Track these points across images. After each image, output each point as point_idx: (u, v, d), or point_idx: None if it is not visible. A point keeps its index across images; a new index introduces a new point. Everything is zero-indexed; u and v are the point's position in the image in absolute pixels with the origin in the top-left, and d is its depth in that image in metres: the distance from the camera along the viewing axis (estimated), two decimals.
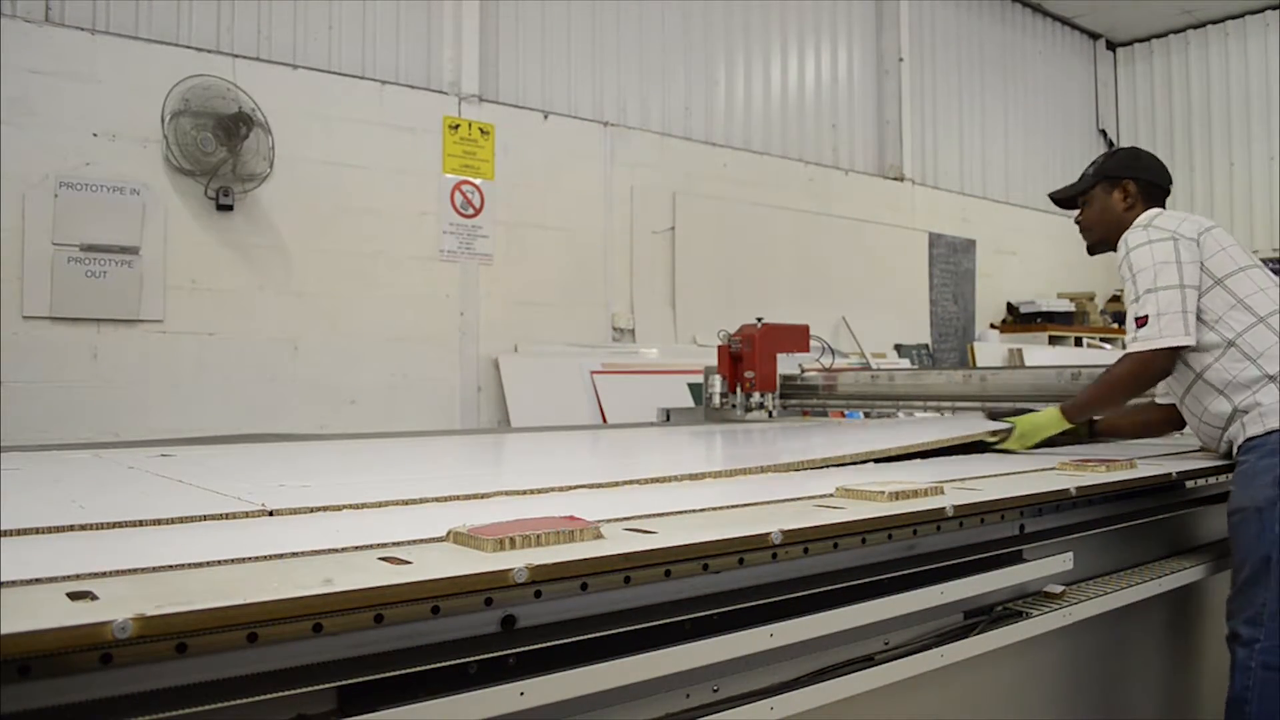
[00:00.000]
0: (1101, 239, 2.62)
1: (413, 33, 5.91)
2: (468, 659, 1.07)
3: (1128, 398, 2.57)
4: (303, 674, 0.95)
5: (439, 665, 1.04)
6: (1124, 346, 2.44)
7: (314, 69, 5.49)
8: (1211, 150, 10.27)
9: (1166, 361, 2.35)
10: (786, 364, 4.47)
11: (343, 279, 5.54)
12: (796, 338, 4.41)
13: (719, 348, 4.40)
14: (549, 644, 1.13)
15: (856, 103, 8.51)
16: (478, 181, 6.08)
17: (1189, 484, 2.27)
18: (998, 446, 2.67)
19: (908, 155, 8.68)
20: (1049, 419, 2.62)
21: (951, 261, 8.90)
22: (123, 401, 4.80)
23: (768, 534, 1.34)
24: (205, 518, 1.45)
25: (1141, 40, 10.91)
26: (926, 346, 8.44)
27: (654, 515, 1.46)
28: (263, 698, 0.92)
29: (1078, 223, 2.67)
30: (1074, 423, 2.62)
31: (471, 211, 6.05)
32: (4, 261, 4.55)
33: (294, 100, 5.36)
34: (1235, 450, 2.30)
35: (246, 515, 1.48)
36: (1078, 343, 8.91)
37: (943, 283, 8.80)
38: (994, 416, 2.94)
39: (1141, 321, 2.32)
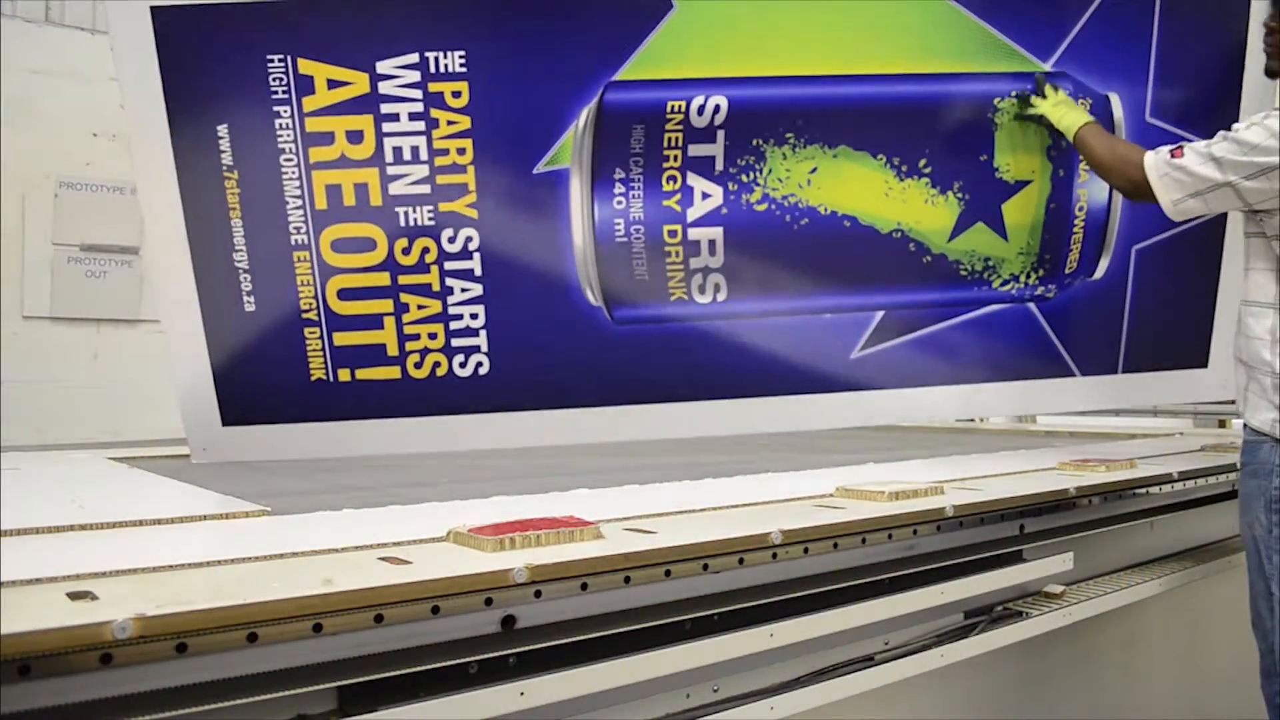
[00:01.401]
0: None
1: None
2: (468, 659, 1.07)
3: (1103, 174, 2.18)
4: (303, 674, 0.95)
5: (439, 665, 1.04)
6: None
7: None
8: None
9: (1141, 194, 2.05)
10: None
11: None
12: None
13: None
14: (549, 644, 1.13)
15: None
16: None
17: (1189, 484, 2.27)
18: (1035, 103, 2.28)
19: None
20: (1069, 112, 2.22)
21: None
22: (123, 401, 4.80)
23: (768, 534, 1.34)
24: (205, 518, 1.45)
25: None
26: None
27: (654, 515, 1.46)
28: (263, 698, 0.92)
29: (1267, 26, 2.06)
30: (1076, 138, 2.22)
31: None
32: (4, 261, 4.55)
33: None
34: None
35: (246, 515, 1.48)
36: None
37: None
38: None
39: (1176, 153, 1.98)
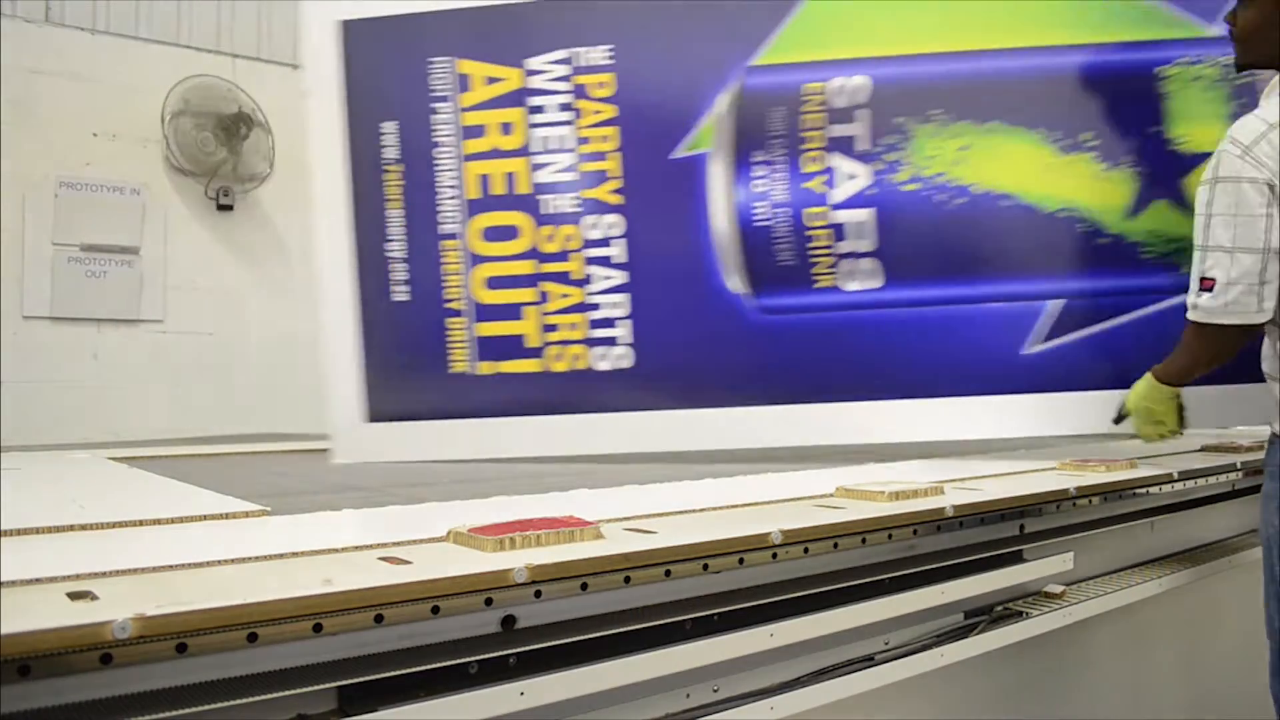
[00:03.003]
0: (1255, 62, 1.96)
1: None
2: (468, 659, 1.07)
3: (1213, 365, 1.99)
4: (303, 674, 0.95)
5: (439, 665, 1.04)
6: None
7: None
8: None
9: (1239, 336, 1.85)
10: None
11: None
12: None
13: None
14: (549, 644, 1.13)
15: None
16: None
17: (1189, 484, 2.27)
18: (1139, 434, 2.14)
19: None
20: (1149, 389, 2.05)
21: None
22: (123, 401, 4.80)
23: (768, 534, 1.34)
24: (205, 518, 1.45)
25: None
26: None
27: (654, 515, 1.46)
28: (263, 698, 0.92)
29: (1228, 22, 1.98)
30: (1173, 385, 2.03)
31: None
32: (4, 261, 4.55)
33: (294, 100, 5.35)
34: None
35: (246, 515, 1.48)
36: None
37: None
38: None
39: (1207, 284, 1.82)
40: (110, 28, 4.86)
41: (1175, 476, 2.20)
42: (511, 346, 2.32)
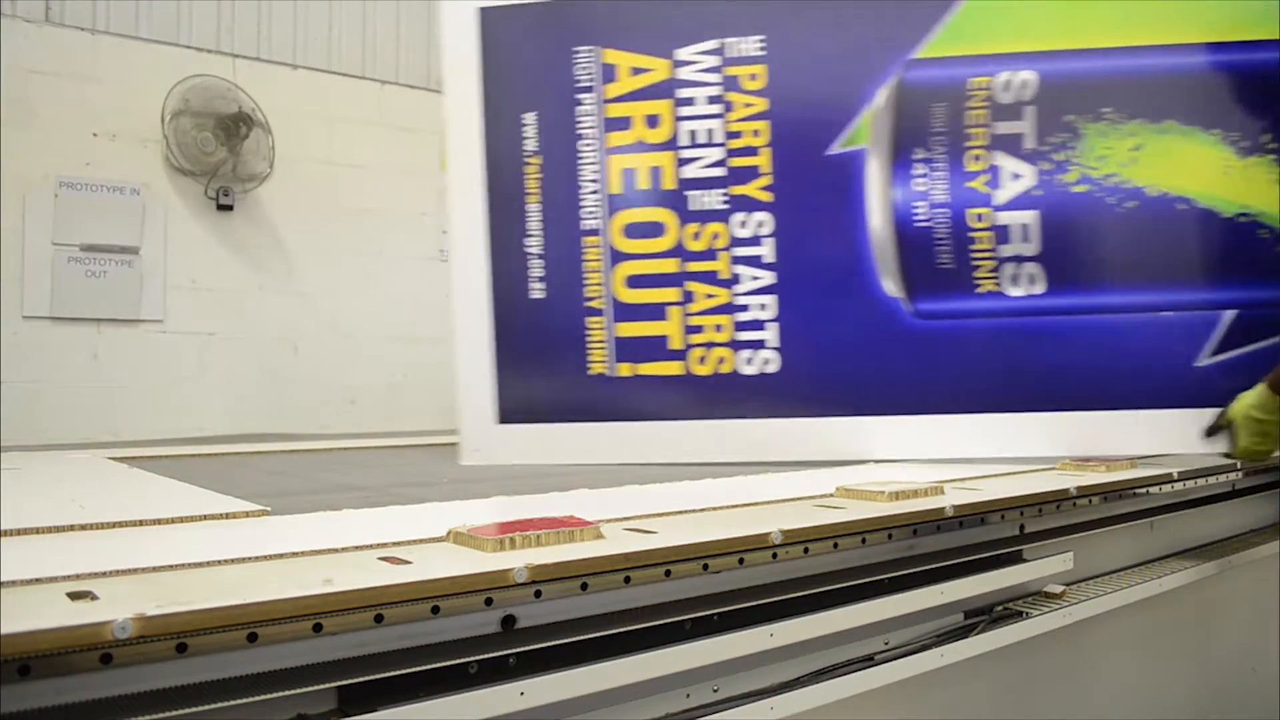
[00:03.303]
0: None
1: (412, 33, 5.91)
2: (468, 659, 1.07)
3: None
4: (303, 674, 0.95)
5: (439, 665, 1.04)
6: None
7: (314, 69, 5.49)
8: None
9: None
10: None
11: (343, 279, 5.53)
12: None
13: None
14: (549, 644, 1.13)
15: None
16: None
17: (1189, 484, 2.27)
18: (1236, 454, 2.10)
19: None
20: (1263, 398, 1.95)
21: None
22: (123, 401, 4.80)
23: (768, 534, 1.34)
24: (205, 518, 1.45)
25: None
26: None
27: (654, 515, 1.46)
28: (263, 698, 0.92)
29: None
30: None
31: None
32: (4, 261, 4.55)
33: (294, 100, 5.36)
34: None
35: (246, 515, 1.48)
36: None
37: None
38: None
39: None
40: (110, 28, 4.86)
41: (1175, 476, 2.20)
42: (653, 348, 2.24)
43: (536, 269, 2.28)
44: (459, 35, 2.32)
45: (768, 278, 2.21)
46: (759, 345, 2.21)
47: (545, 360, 2.29)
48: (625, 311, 2.24)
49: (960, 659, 1.65)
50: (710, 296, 2.22)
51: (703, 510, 1.53)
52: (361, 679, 0.99)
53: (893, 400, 2.17)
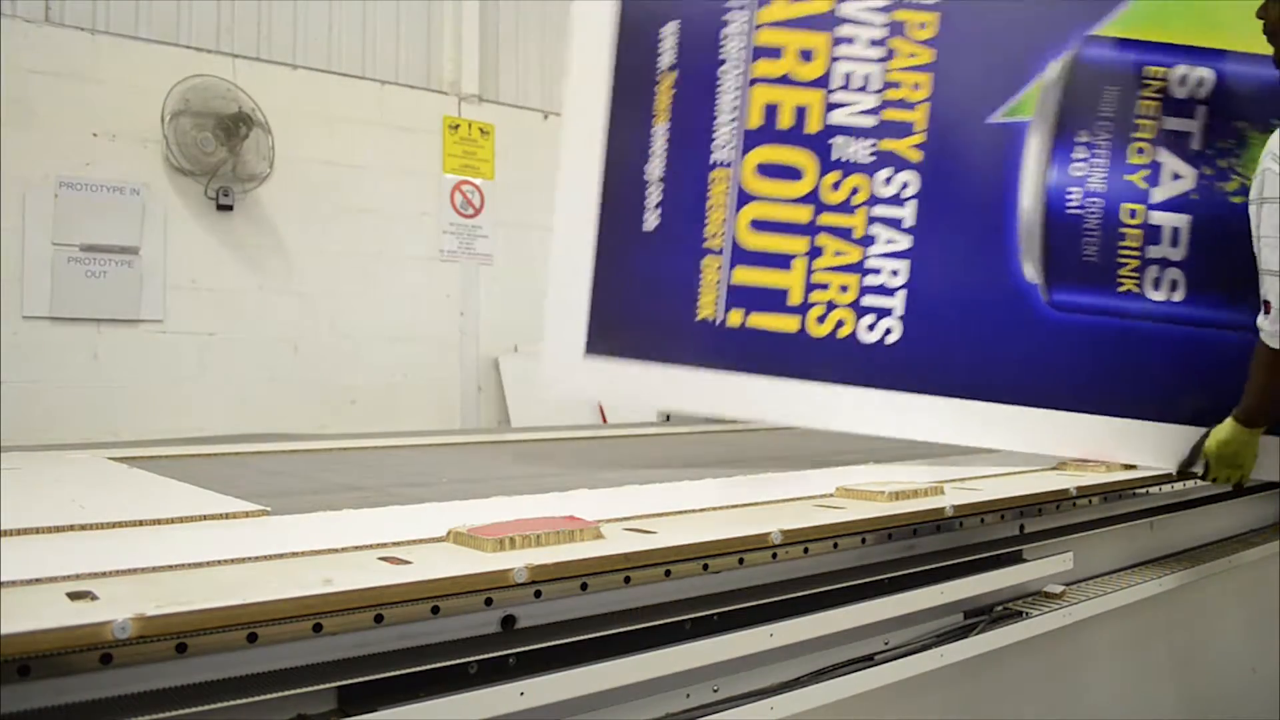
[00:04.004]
0: None
1: (412, 33, 5.91)
2: (468, 659, 1.07)
3: None
4: (303, 674, 0.95)
5: (439, 665, 1.04)
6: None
7: (314, 69, 5.49)
8: None
9: None
10: None
11: (343, 279, 5.54)
12: None
13: None
14: (549, 644, 1.13)
15: None
16: (478, 181, 6.08)
17: (1189, 484, 2.27)
18: (1207, 479, 2.10)
19: None
20: (1234, 433, 1.99)
21: None
22: (123, 401, 4.80)
23: (768, 534, 1.34)
24: (205, 518, 1.45)
25: None
26: None
27: (654, 515, 1.46)
28: (263, 698, 0.92)
29: (1260, 16, 1.89)
30: (1257, 427, 1.99)
31: (471, 211, 6.05)
32: (4, 261, 4.55)
33: (294, 100, 5.36)
34: None
35: (246, 515, 1.48)
36: None
37: None
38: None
39: (1268, 308, 1.78)
40: (110, 28, 4.86)
41: (1175, 476, 2.20)
42: (769, 299, 2.04)
43: (653, 196, 2.09)
44: None
45: (904, 242, 2.05)
46: (884, 313, 2.05)
47: (648, 296, 2.11)
48: (745, 256, 2.06)
49: (960, 659, 1.65)
50: (840, 254, 2.05)
51: (703, 510, 1.53)
52: (361, 679, 0.99)
53: (1014, 389, 2.05)
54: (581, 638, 1.16)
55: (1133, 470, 2.14)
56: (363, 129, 5.63)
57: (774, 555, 1.36)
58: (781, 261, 2.05)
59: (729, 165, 2.07)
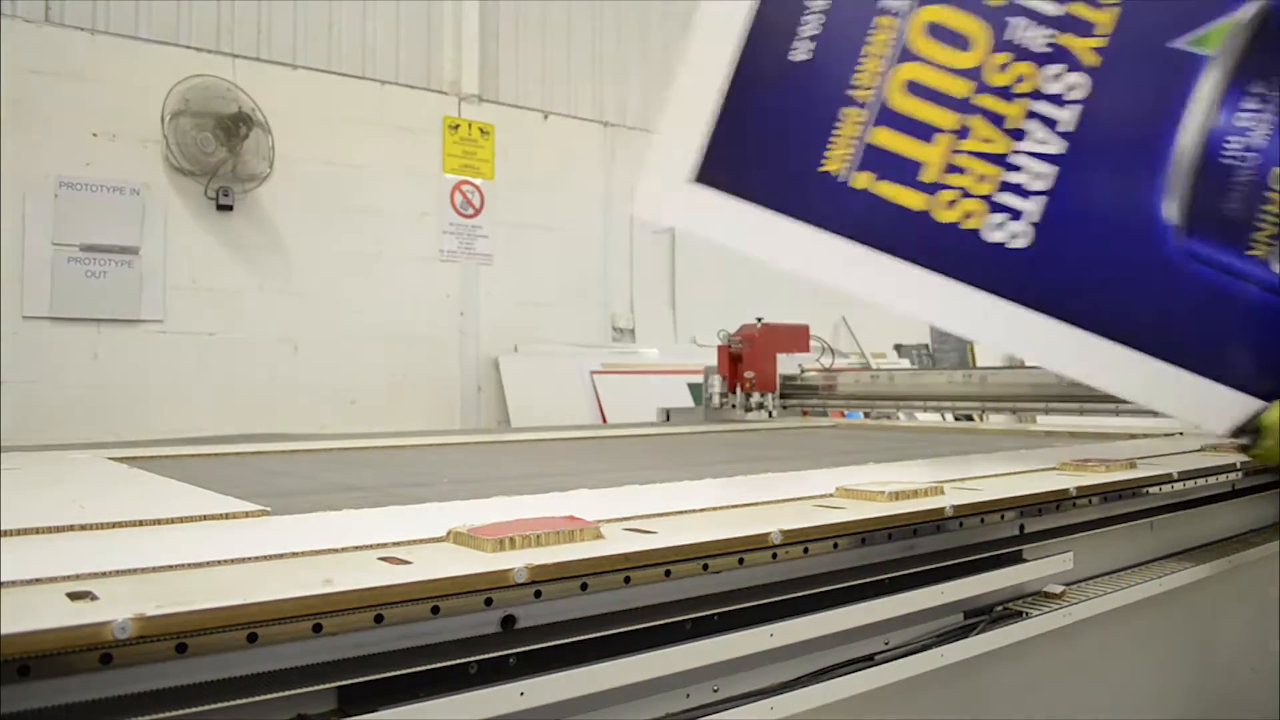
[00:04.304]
0: None
1: (413, 33, 5.92)
2: (468, 659, 1.07)
3: None
4: (303, 674, 0.95)
5: (439, 665, 1.04)
6: None
7: (314, 69, 5.50)
8: None
9: None
10: (786, 364, 4.47)
11: (343, 279, 5.54)
12: (796, 337, 4.42)
13: (719, 348, 4.40)
14: (549, 644, 1.13)
15: None
16: (478, 181, 6.08)
17: (1189, 484, 2.27)
18: (1252, 453, 2.09)
19: None
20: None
21: None
22: (123, 401, 4.80)
23: (768, 534, 1.34)
24: (205, 518, 1.45)
25: None
26: (926, 346, 8.44)
27: (654, 515, 1.46)
28: (263, 698, 0.92)
29: None
30: None
31: (471, 211, 6.05)
32: (4, 261, 4.55)
33: (294, 100, 5.36)
34: None
35: (246, 515, 1.48)
36: None
37: None
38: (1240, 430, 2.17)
39: None
40: (110, 28, 4.86)
41: (1175, 476, 2.20)
42: (903, 169, 1.90)
43: (810, 26, 1.91)
44: None
45: (1056, 145, 1.92)
46: (1016, 214, 1.92)
47: (775, 132, 1.95)
48: (890, 118, 1.91)
49: (960, 659, 1.65)
50: (988, 140, 1.92)
51: (703, 510, 1.53)
52: (361, 679, 0.99)
53: (1127, 328, 1.96)
54: (581, 638, 1.16)
55: (1133, 470, 2.14)
56: (362, 129, 5.64)
57: (774, 555, 1.36)
58: (925, 133, 1.92)
59: (898, 15, 1.92)
